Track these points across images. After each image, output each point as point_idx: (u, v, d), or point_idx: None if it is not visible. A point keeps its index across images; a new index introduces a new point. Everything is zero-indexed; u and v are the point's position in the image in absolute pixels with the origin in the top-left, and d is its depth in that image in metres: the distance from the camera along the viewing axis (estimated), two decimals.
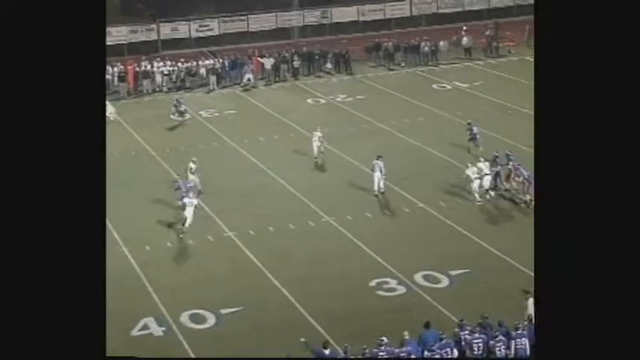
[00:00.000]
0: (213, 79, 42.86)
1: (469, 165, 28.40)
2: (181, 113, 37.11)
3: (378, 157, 28.69)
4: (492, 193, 27.79)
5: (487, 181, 27.81)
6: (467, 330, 18.64)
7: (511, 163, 28.04)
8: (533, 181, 25.84)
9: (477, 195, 27.60)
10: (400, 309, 21.49)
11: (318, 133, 31.81)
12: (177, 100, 37.95)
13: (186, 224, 25.95)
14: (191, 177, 28.92)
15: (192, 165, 29.32)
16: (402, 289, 22.50)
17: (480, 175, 27.74)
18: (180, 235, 25.91)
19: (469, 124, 31.84)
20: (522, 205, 27.18)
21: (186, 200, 26.27)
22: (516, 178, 27.80)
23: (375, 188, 28.59)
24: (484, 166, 27.98)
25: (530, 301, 19.22)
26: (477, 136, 31.33)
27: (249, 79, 42.61)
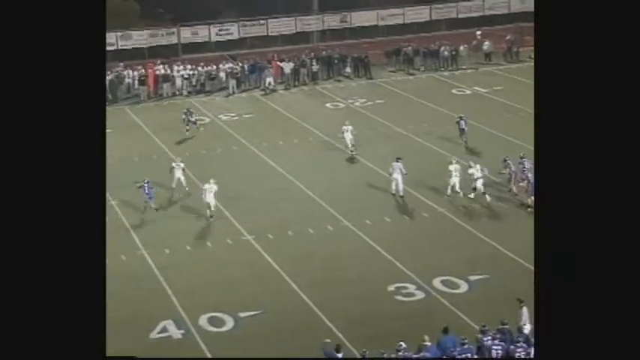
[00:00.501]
0: (232, 82, 43.01)
1: (471, 164, 28.48)
2: (192, 123, 36.04)
3: (397, 159, 28.71)
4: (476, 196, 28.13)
5: (480, 182, 28.15)
6: (489, 336, 18.57)
7: (512, 167, 28.23)
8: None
9: (449, 191, 28.23)
10: (419, 314, 21.44)
11: (349, 127, 32.18)
12: (187, 109, 36.77)
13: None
14: (177, 176, 29.50)
15: (173, 165, 29.90)
16: (420, 294, 22.46)
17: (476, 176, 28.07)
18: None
19: (460, 117, 32.12)
20: (527, 209, 27.05)
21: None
22: (520, 183, 27.86)
23: (394, 190, 28.61)
24: (475, 170, 28.25)
25: (525, 310, 19.17)
26: (465, 130, 31.91)
27: (269, 83, 42.70)
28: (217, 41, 50.70)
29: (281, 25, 52.01)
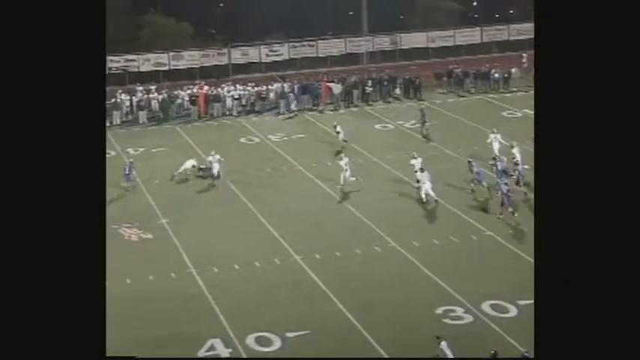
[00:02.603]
0: (282, 103, 43.27)
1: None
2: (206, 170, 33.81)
3: (422, 170, 30.22)
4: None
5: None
6: None
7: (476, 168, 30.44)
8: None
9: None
10: (466, 338, 21.23)
11: (345, 160, 32.20)
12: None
13: None
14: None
15: (210, 159, 33.01)
16: (469, 318, 22.26)
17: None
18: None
19: (469, 162, 31.94)
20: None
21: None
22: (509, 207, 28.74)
23: (424, 198, 29.71)
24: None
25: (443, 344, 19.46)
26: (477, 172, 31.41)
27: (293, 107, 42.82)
28: (267, 62, 51.11)
29: (331, 46, 52.29)
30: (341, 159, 32.31)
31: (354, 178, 31.64)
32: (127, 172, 32.60)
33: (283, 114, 42.79)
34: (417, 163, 31.36)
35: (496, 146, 33.66)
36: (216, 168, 32.83)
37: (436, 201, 29.80)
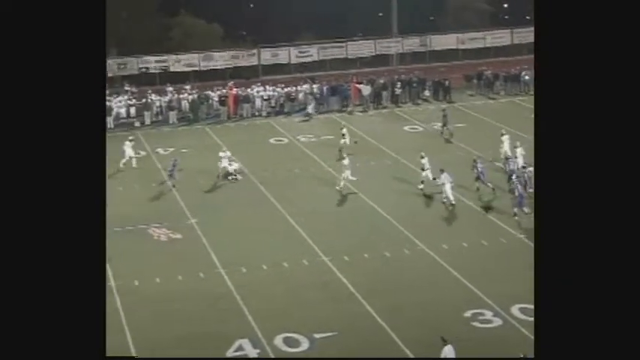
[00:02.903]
0: (312, 104, 43.32)
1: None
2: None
3: (442, 170, 30.21)
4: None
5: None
6: None
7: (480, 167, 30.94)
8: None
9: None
10: (496, 341, 21.14)
11: (346, 162, 32.27)
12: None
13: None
14: (222, 165, 33.38)
15: (221, 154, 33.74)
16: (498, 321, 22.15)
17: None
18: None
19: (474, 161, 32.08)
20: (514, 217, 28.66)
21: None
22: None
23: (445, 199, 29.95)
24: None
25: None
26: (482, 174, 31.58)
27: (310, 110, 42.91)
28: (297, 63, 51.18)
29: (361, 48, 52.26)
30: (343, 158, 32.58)
31: (354, 178, 31.81)
32: (171, 170, 32.73)
33: (312, 115, 42.85)
34: (425, 162, 31.53)
35: (506, 146, 33.61)
36: (223, 164, 33.48)
37: (452, 204, 29.73)
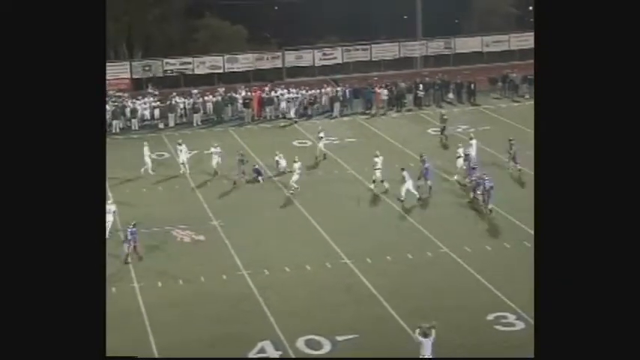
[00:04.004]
0: (335, 106, 43.34)
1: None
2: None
3: (402, 169, 30.63)
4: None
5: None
6: None
7: (475, 175, 30.84)
8: (492, 193, 29.25)
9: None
10: (518, 345, 21.01)
11: (378, 159, 32.30)
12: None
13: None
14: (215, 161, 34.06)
15: (212, 150, 34.26)
16: (520, 325, 22.02)
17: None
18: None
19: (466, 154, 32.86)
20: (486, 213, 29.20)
21: None
22: (477, 191, 30.15)
23: (402, 197, 30.32)
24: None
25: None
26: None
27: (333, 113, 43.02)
28: (321, 65, 51.23)
29: (385, 51, 52.20)
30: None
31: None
32: (242, 168, 33.50)
33: (336, 117, 42.87)
34: (379, 161, 31.89)
35: (473, 150, 34.13)
36: (214, 160, 34.20)
37: (419, 199, 30.51)
